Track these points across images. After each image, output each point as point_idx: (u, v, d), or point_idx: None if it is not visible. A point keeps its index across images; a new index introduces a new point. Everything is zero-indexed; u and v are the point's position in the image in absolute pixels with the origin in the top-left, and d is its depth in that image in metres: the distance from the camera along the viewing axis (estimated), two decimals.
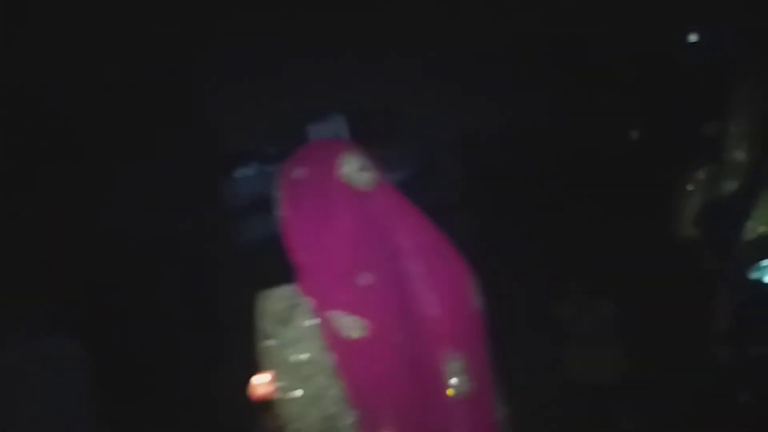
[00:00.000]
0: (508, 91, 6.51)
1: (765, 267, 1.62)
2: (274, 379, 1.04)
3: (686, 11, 6.12)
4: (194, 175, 5.46)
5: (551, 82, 6.61)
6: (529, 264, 4.45)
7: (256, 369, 1.26)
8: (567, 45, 6.61)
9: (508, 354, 1.28)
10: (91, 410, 1.93)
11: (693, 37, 6.82)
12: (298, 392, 1.00)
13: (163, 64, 5.42)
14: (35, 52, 4.45)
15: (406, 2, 6.12)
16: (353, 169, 1.10)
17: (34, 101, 4.52)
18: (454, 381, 1.06)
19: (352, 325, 1.01)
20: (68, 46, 4.57)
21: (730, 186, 1.76)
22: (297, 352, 1.02)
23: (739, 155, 1.75)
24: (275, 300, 1.08)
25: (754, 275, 1.63)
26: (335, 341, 1.01)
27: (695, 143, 2.04)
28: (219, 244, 5.60)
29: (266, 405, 1.22)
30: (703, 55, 6.42)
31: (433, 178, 6.37)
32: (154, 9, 5.07)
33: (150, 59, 5.23)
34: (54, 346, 1.94)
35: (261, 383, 1.24)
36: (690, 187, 1.92)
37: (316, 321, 1.03)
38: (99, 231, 4.55)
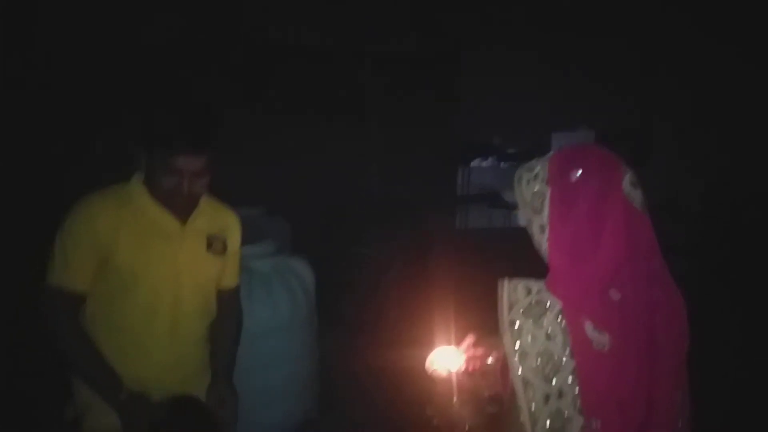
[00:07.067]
0: None
1: None
2: (514, 368, 1.06)
3: None
4: (436, 155, 5.87)
5: None
6: None
7: (433, 346, 1.37)
8: None
9: None
10: None
11: None
12: (540, 385, 1.04)
13: (439, 48, 5.88)
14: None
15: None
16: (629, 184, 1.08)
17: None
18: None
19: (599, 338, 1.02)
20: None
21: None
22: (545, 348, 1.04)
23: None
24: (522, 292, 1.09)
25: None
26: (583, 349, 1.03)
27: None
28: (441, 222, 5.94)
29: (440, 382, 1.33)
30: None
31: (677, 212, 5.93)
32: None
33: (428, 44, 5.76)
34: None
35: (439, 360, 1.35)
36: None
37: (565, 323, 1.05)
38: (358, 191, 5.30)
